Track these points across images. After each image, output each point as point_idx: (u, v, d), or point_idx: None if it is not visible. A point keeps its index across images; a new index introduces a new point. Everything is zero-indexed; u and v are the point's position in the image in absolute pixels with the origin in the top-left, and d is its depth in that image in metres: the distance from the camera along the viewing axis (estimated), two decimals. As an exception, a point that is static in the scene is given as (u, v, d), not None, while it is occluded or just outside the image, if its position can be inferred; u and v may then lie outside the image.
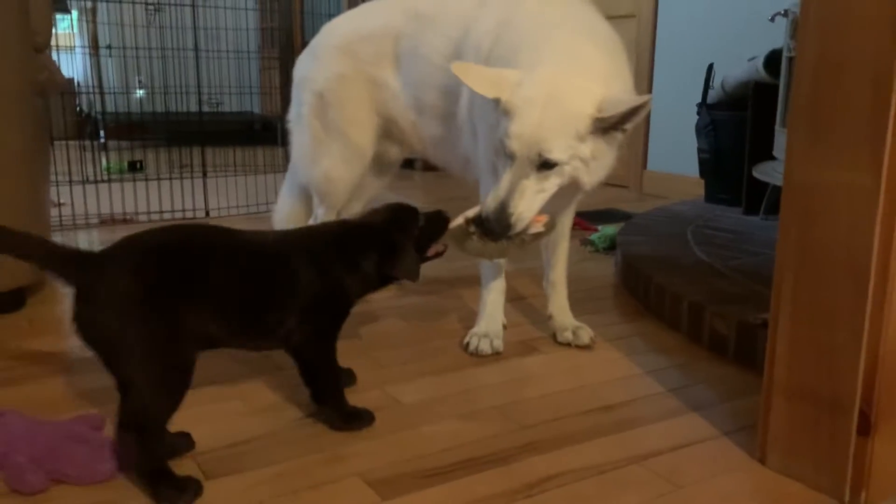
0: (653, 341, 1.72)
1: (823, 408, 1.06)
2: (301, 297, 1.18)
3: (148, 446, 1.04)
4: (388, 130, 1.87)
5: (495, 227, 1.29)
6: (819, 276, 1.04)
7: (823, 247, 1.03)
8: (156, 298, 1.02)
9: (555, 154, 1.27)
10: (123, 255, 1.05)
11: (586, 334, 1.67)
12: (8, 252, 1.04)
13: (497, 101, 1.31)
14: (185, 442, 1.17)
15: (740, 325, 1.57)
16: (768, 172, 2.32)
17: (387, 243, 1.25)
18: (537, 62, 1.32)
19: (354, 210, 2.26)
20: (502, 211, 1.29)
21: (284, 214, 2.19)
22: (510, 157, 1.30)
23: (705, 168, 3.13)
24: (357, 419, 1.26)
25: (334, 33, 1.90)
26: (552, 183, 1.31)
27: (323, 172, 1.94)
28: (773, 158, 2.41)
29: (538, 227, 1.34)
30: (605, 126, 1.28)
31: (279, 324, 1.18)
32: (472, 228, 1.32)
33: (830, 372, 1.04)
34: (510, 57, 1.40)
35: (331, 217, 2.07)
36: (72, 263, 1.03)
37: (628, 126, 1.29)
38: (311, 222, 2.12)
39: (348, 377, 1.40)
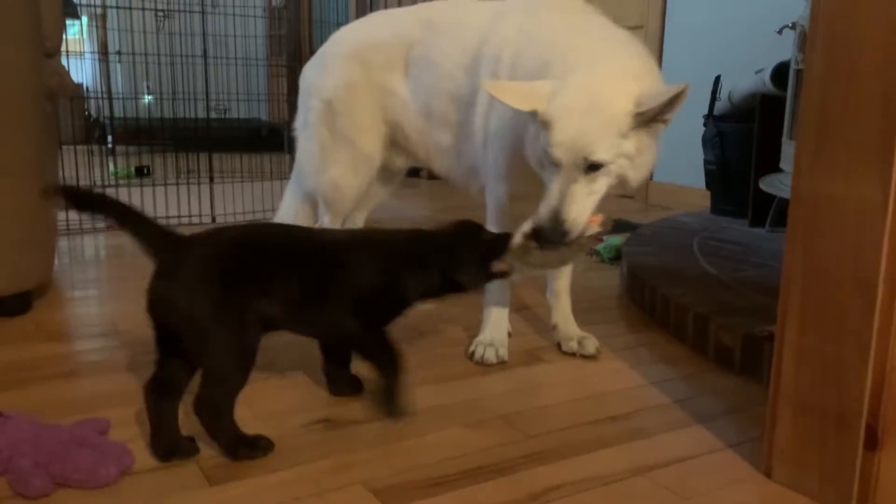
0: (658, 352, 1.72)
1: (830, 421, 1.05)
2: (355, 290, 1.25)
3: (223, 418, 1.15)
4: (394, 139, 1.88)
5: (552, 236, 1.30)
6: (826, 289, 1.04)
7: (831, 259, 1.03)
8: (228, 283, 1.13)
9: (600, 155, 1.27)
10: (205, 242, 1.17)
11: (592, 344, 1.66)
12: (108, 215, 1.16)
13: (534, 114, 1.31)
14: (190, 447, 1.17)
15: (746, 337, 1.57)
16: (775, 185, 2.32)
17: (452, 250, 1.31)
18: (568, 70, 1.33)
19: (359, 218, 2.27)
20: (556, 219, 1.29)
21: (286, 220, 2.19)
22: (556, 165, 1.30)
23: (711, 179, 3.13)
24: (398, 412, 1.29)
25: (343, 42, 1.91)
26: (601, 184, 1.31)
27: (330, 180, 1.95)
28: (779, 171, 2.41)
29: (595, 228, 1.35)
30: (646, 119, 1.28)
31: (332, 313, 1.25)
32: (532, 243, 1.32)
33: (837, 385, 1.04)
34: (539, 68, 1.41)
35: (336, 224, 2.07)
36: (160, 241, 1.14)
37: (669, 116, 1.29)
38: (316, 229, 2.12)
39: (355, 385, 1.41)
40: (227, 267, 1.14)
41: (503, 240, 1.34)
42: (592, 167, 1.28)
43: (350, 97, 1.86)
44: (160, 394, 1.15)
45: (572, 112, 1.27)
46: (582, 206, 1.30)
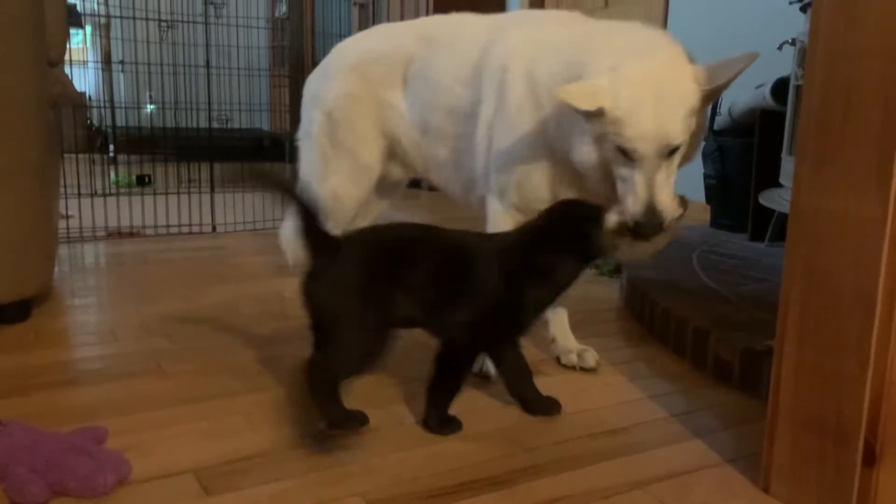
0: (657, 366, 1.72)
1: (828, 437, 1.05)
2: (482, 299, 1.28)
3: (327, 382, 1.21)
4: (393, 151, 1.89)
5: (651, 229, 1.30)
6: (825, 304, 1.04)
7: (830, 274, 1.03)
8: (369, 287, 1.23)
9: (679, 138, 1.29)
10: (352, 245, 1.27)
11: (592, 357, 1.66)
12: (295, 206, 1.24)
13: (599, 112, 1.29)
14: (360, 416, 1.25)
15: (745, 351, 1.57)
16: (774, 199, 2.32)
17: (584, 228, 1.31)
18: (611, 65, 1.31)
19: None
20: (652, 210, 1.30)
21: (291, 232, 2.20)
22: (633, 158, 1.30)
23: (711, 193, 3.13)
24: (450, 426, 1.33)
25: (345, 54, 1.92)
26: (675, 164, 1.34)
27: (330, 189, 1.96)
28: (779, 185, 2.42)
29: (678, 210, 1.35)
30: (709, 96, 1.31)
31: (455, 318, 1.29)
32: (619, 238, 1.32)
33: (836, 401, 1.04)
34: (566, 72, 1.39)
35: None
36: (318, 244, 1.25)
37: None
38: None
39: (551, 405, 1.42)
40: (369, 271, 1.24)
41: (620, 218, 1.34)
42: (672, 151, 1.30)
43: (350, 109, 1.87)
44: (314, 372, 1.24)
45: (646, 102, 1.27)
46: (669, 192, 1.32)
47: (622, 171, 1.33)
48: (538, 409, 1.41)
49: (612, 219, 1.31)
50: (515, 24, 1.63)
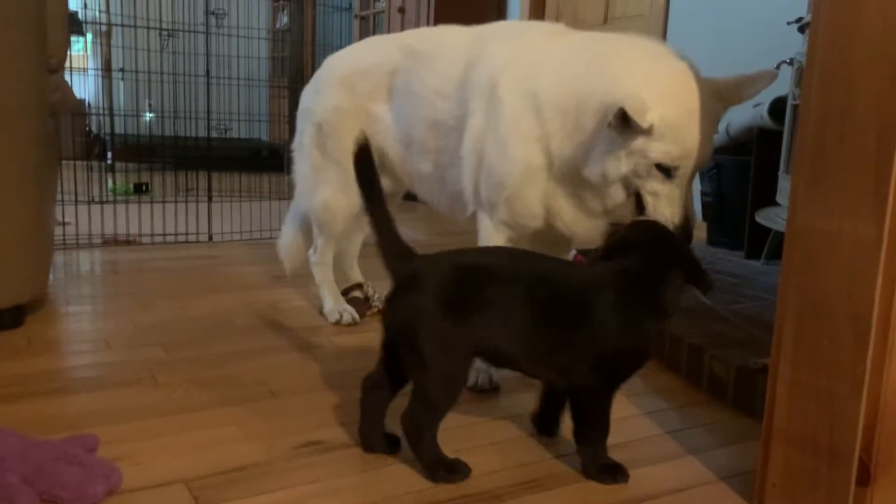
0: (652, 383, 1.71)
1: (822, 456, 1.05)
2: (600, 344, 1.17)
3: (424, 438, 1.18)
4: (381, 164, 1.89)
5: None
6: (820, 324, 1.04)
7: (824, 294, 1.03)
8: (457, 313, 1.14)
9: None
10: (438, 265, 1.19)
11: (586, 373, 1.66)
12: (372, 223, 1.21)
13: (647, 129, 1.26)
14: (393, 441, 1.26)
15: (740, 369, 1.57)
16: (771, 218, 2.33)
17: (689, 268, 1.22)
18: (639, 83, 1.29)
19: (355, 241, 2.27)
20: (687, 221, 1.34)
21: (288, 242, 2.20)
22: (675, 175, 1.31)
23: (708, 211, 3.14)
24: (612, 473, 1.22)
25: (335, 67, 1.94)
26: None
27: (321, 201, 1.97)
28: (776, 204, 2.43)
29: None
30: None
31: (568, 361, 1.18)
32: None
33: (830, 420, 1.04)
34: (586, 86, 1.36)
35: (330, 247, 2.08)
36: (399, 258, 1.19)
37: None
38: (310, 252, 2.12)
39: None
40: (458, 296, 1.15)
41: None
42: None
43: (338, 121, 1.89)
44: (373, 390, 1.25)
45: (690, 121, 1.28)
46: (692, 202, 1.36)
47: (654, 185, 1.33)
48: (554, 431, 1.37)
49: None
50: (498, 37, 1.62)
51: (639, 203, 1.36)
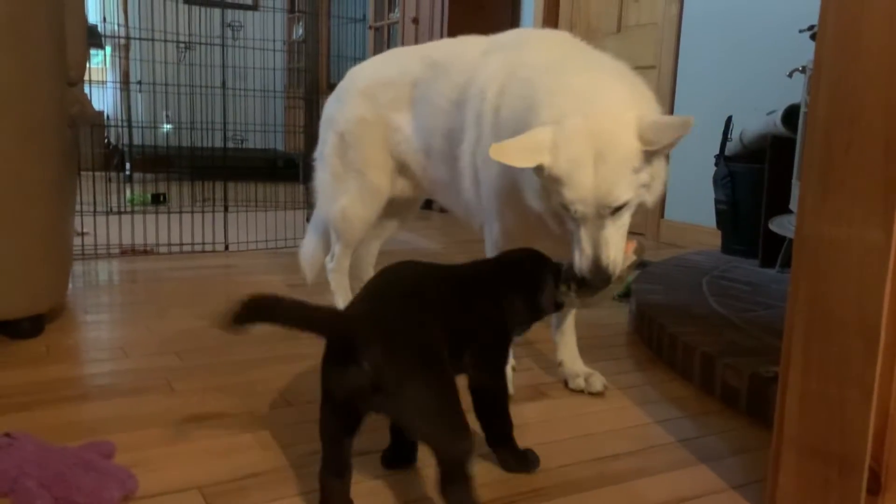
0: (664, 391, 1.71)
1: (833, 465, 1.05)
2: (481, 330, 1.20)
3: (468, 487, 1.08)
4: (402, 172, 1.92)
5: (598, 283, 1.28)
6: (829, 332, 1.04)
7: (833, 302, 1.03)
8: (430, 348, 1.07)
9: (622, 198, 1.25)
10: (394, 310, 1.08)
11: (599, 381, 1.66)
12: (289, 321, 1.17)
13: (540, 168, 1.26)
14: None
15: (752, 377, 1.56)
16: (785, 225, 2.32)
17: (534, 277, 1.25)
18: (558, 114, 1.28)
19: (373, 248, 2.29)
20: (598, 267, 1.27)
21: (309, 251, 2.24)
22: (576, 217, 1.27)
23: (722, 219, 3.13)
24: (530, 461, 1.27)
25: (357, 78, 1.96)
26: (626, 218, 1.30)
27: (340, 210, 1.99)
28: (789, 212, 2.42)
29: (630, 258, 1.33)
30: (654, 153, 1.26)
31: (466, 355, 1.18)
32: (564, 288, 1.29)
33: (840, 429, 1.04)
34: (524, 110, 1.36)
35: (347, 254, 2.11)
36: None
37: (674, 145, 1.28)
38: (327, 259, 2.15)
39: (412, 451, 1.29)
40: (428, 333, 1.08)
41: (568, 269, 1.31)
42: (616, 209, 1.26)
43: (360, 131, 1.90)
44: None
45: (584, 164, 1.23)
46: (617, 246, 1.28)
47: (570, 224, 1.32)
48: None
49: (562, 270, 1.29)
50: (501, 47, 1.62)
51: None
